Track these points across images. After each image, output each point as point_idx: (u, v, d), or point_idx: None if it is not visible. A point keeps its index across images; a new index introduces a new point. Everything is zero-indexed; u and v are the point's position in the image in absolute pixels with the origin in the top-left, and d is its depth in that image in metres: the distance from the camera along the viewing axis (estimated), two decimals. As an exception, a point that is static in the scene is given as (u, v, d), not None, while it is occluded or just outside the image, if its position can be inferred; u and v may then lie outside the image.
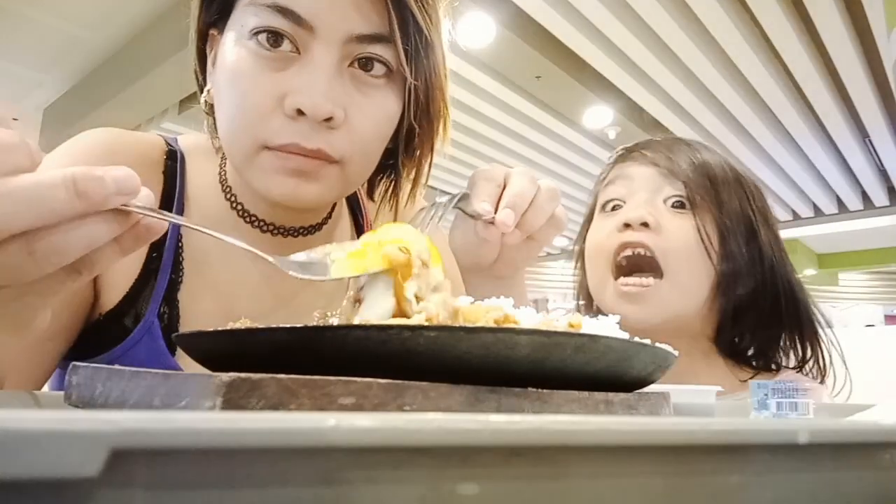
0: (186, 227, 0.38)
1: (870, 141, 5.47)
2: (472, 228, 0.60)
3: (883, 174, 5.94)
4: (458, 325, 0.32)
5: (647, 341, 0.34)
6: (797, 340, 0.90)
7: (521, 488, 0.18)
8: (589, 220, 0.99)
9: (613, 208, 0.92)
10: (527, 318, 0.37)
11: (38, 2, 3.58)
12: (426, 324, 0.31)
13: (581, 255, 1.00)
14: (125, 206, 0.34)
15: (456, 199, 0.58)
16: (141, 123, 4.54)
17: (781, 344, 0.91)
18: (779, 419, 0.41)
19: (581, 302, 1.02)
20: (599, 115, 4.91)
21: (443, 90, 0.63)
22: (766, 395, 0.43)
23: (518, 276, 0.71)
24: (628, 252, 0.86)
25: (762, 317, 0.88)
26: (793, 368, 0.90)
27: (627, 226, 0.86)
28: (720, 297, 0.87)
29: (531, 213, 0.59)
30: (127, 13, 3.77)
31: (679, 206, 0.87)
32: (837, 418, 0.28)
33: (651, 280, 0.85)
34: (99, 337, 0.61)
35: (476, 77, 4.21)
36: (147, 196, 0.35)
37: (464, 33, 3.75)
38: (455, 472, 0.17)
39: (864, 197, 7.30)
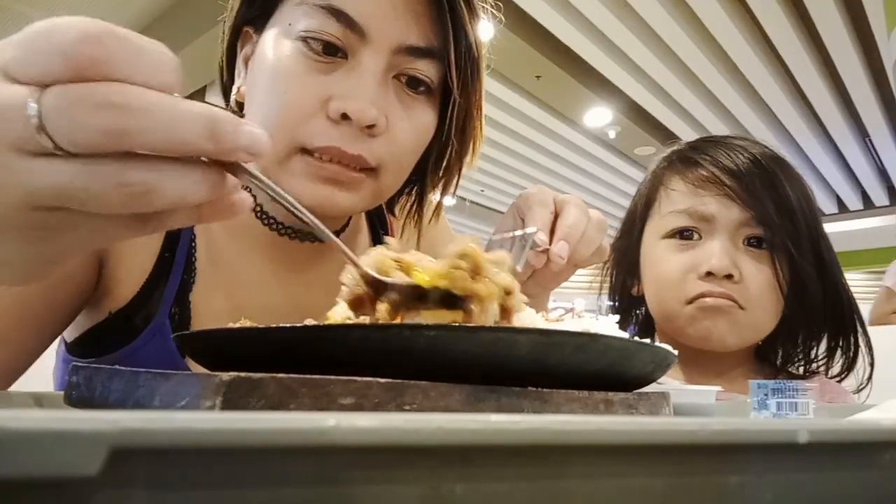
0: (280, 196, 0.32)
1: (870, 141, 5.48)
2: (519, 251, 0.59)
3: (883, 174, 5.94)
4: (457, 324, 0.32)
5: (647, 341, 0.34)
6: (840, 347, 0.88)
7: (521, 488, 0.18)
8: (632, 231, 0.93)
9: (683, 236, 0.85)
10: (527, 319, 0.37)
11: (38, 1, 3.58)
12: (426, 324, 0.31)
13: (615, 270, 0.96)
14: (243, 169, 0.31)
15: (531, 241, 0.57)
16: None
17: (822, 350, 0.89)
18: (779, 419, 0.41)
19: (612, 303, 0.98)
20: (599, 115, 4.91)
21: (480, 109, 0.63)
22: (766, 395, 0.43)
23: (545, 297, 0.69)
24: (708, 300, 0.83)
25: (813, 328, 0.87)
26: (835, 377, 0.88)
27: (709, 273, 0.82)
28: (784, 321, 0.86)
29: (582, 246, 0.58)
30: (127, 12, 3.77)
31: (757, 244, 0.84)
32: (837, 418, 0.28)
33: (731, 303, 0.83)
34: (108, 335, 0.60)
35: (476, 77, 4.21)
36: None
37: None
38: (455, 472, 0.17)
39: (864, 197, 7.30)
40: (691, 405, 0.48)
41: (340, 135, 0.53)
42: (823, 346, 0.89)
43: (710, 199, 0.83)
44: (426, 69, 0.56)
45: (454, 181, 0.67)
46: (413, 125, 0.57)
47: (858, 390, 0.88)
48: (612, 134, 5.24)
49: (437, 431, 0.17)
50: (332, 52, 0.54)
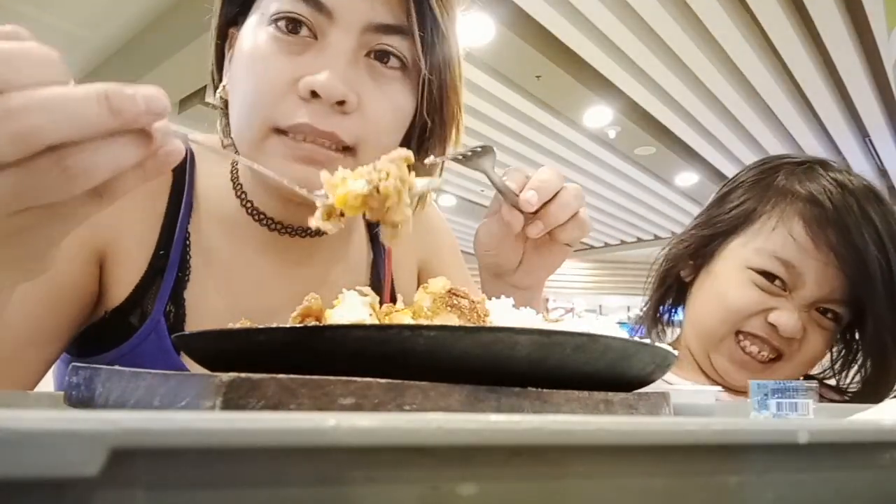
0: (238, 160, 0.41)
1: (870, 141, 5.47)
2: (496, 221, 0.60)
3: (883, 174, 5.94)
4: (458, 325, 0.32)
5: (647, 341, 0.34)
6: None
7: (521, 488, 0.18)
8: (725, 231, 0.88)
9: (767, 276, 0.81)
10: (528, 319, 0.37)
11: (38, 1, 3.58)
12: (426, 324, 0.31)
13: (678, 248, 0.92)
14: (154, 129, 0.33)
15: (469, 152, 0.58)
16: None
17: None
18: (779, 419, 0.41)
19: (645, 307, 0.96)
20: (599, 115, 4.91)
21: (457, 91, 0.64)
22: (766, 395, 0.43)
23: (538, 291, 0.69)
24: (757, 342, 0.81)
25: (871, 356, 0.85)
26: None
27: (774, 326, 0.80)
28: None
29: (554, 206, 0.58)
30: (126, 12, 3.76)
31: (828, 314, 0.82)
32: (837, 418, 0.28)
33: (769, 357, 0.82)
34: (104, 334, 0.60)
35: (476, 76, 4.21)
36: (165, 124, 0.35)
37: (464, 33, 3.74)
38: (455, 472, 0.17)
39: (864, 197, 7.28)
40: (691, 405, 0.48)
41: (311, 112, 0.54)
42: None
43: (819, 264, 0.79)
44: (397, 44, 0.57)
45: (438, 167, 0.66)
46: (389, 103, 0.58)
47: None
48: (612, 134, 5.23)
49: (437, 431, 0.17)
50: (300, 30, 0.55)
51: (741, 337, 0.83)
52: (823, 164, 0.87)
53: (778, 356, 0.82)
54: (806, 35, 3.89)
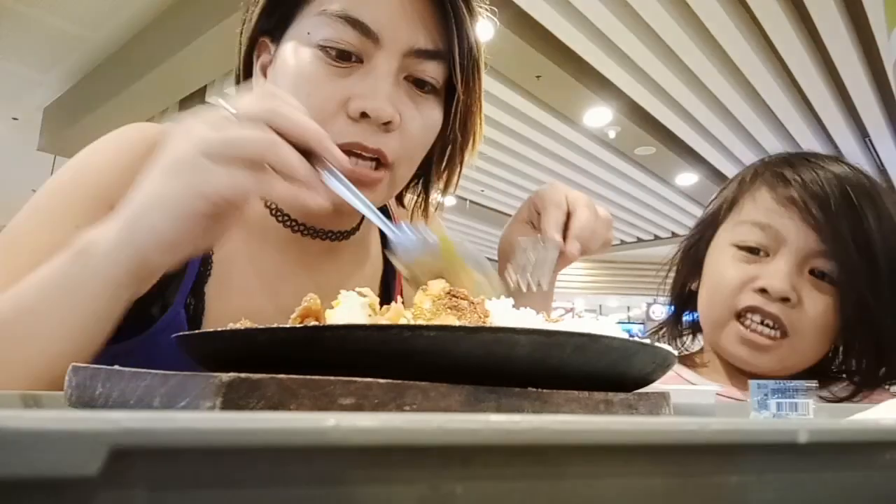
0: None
1: (870, 141, 5.47)
2: (543, 253, 0.65)
3: (883, 174, 5.93)
4: (458, 325, 0.32)
5: (647, 341, 0.34)
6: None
7: (521, 488, 0.18)
8: (708, 228, 0.92)
9: (751, 250, 0.84)
10: (529, 319, 0.37)
11: (38, 1, 3.58)
12: (426, 324, 0.31)
13: (682, 262, 0.95)
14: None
15: (556, 260, 0.65)
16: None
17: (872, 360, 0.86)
18: (779, 419, 0.41)
19: (670, 306, 0.97)
20: (599, 115, 4.91)
21: (480, 105, 0.68)
22: (766, 395, 0.43)
23: (551, 289, 0.74)
24: (756, 317, 0.82)
25: (868, 347, 0.84)
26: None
27: (764, 290, 0.81)
28: (836, 350, 0.85)
29: (591, 242, 0.66)
30: (127, 12, 3.77)
31: (821, 277, 0.81)
32: (837, 418, 0.28)
33: (775, 334, 0.81)
34: (123, 323, 0.60)
35: (476, 77, 4.21)
36: None
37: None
38: (455, 472, 0.17)
39: (864, 197, 7.28)
40: (691, 405, 0.48)
41: (360, 131, 0.58)
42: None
43: (789, 219, 0.82)
44: (433, 70, 0.61)
45: (457, 173, 0.71)
46: (423, 121, 0.62)
47: None
48: (612, 134, 5.23)
49: (437, 431, 0.17)
50: (348, 58, 0.59)
51: (745, 318, 0.83)
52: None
53: (785, 333, 0.82)
54: (806, 35, 3.89)
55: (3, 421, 0.13)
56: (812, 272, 0.82)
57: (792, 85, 4.51)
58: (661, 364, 0.37)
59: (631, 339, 0.34)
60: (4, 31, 3.85)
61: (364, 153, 0.58)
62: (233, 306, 0.64)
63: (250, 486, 0.15)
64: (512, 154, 5.68)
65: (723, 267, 0.86)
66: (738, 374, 0.87)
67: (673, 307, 0.97)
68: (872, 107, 4.81)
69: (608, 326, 0.38)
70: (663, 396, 0.38)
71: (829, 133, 5.33)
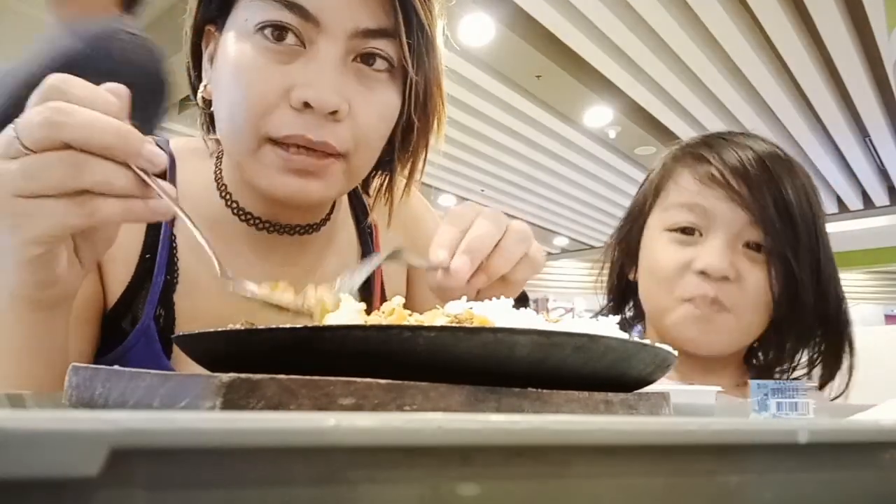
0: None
1: (870, 141, 5.48)
2: (433, 278, 0.54)
3: (883, 174, 5.94)
4: (458, 325, 0.32)
5: (647, 341, 0.34)
6: (822, 348, 0.88)
7: (521, 488, 0.18)
8: (638, 217, 0.93)
9: (684, 231, 0.86)
10: (527, 319, 0.37)
11: (38, 1, 3.58)
12: (426, 324, 0.31)
13: (616, 253, 0.96)
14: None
15: (385, 257, 0.56)
16: (141, 123, 4.54)
17: (806, 352, 0.89)
18: (779, 419, 0.41)
19: (609, 303, 0.98)
20: (599, 115, 4.92)
21: (440, 86, 0.64)
22: (766, 395, 0.43)
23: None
24: (699, 301, 0.83)
25: (802, 335, 0.87)
26: (803, 376, 0.88)
27: (703, 272, 0.82)
28: (773, 325, 0.86)
29: (496, 257, 0.53)
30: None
31: (756, 249, 0.83)
32: (837, 418, 0.28)
33: (719, 309, 0.83)
34: (101, 338, 0.61)
35: (476, 76, 4.21)
36: None
37: (464, 32, 3.76)
38: (455, 472, 0.17)
39: (864, 197, 7.30)
40: (691, 405, 0.48)
41: (304, 122, 0.54)
42: (806, 354, 0.89)
43: (715, 197, 0.84)
44: (384, 47, 0.58)
45: (421, 159, 0.68)
46: (376, 107, 0.58)
47: (834, 399, 0.88)
48: (612, 134, 5.24)
49: (437, 431, 0.17)
50: (286, 38, 0.55)
51: (692, 300, 0.84)
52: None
53: (727, 311, 0.83)
54: (806, 35, 3.89)
55: (3, 421, 0.13)
56: (747, 245, 0.84)
57: (792, 85, 4.51)
58: (661, 364, 0.37)
59: (631, 339, 0.33)
60: (4, 31, 3.85)
61: (310, 146, 0.55)
62: (205, 311, 0.62)
63: (250, 487, 0.15)
64: (512, 154, 5.68)
65: (659, 253, 0.88)
66: (684, 358, 0.87)
67: (611, 300, 0.98)
68: (872, 107, 4.81)
69: (608, 326, 0.38)
70: (663, 397, 0.38)
71: (829, 133, 5.33)
